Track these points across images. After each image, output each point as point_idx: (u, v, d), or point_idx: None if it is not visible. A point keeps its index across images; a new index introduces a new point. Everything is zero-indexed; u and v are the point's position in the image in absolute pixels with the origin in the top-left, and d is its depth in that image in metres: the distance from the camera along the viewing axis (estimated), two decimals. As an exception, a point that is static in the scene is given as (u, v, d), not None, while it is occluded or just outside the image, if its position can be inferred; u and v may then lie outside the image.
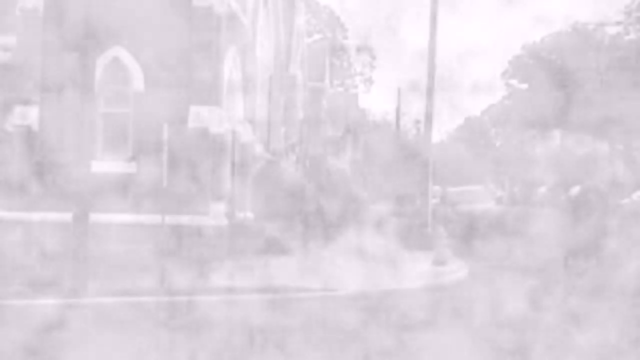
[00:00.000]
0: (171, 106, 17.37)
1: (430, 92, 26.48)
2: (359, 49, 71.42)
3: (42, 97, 17.65)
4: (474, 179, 67.60)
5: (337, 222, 26.53)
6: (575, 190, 46.94)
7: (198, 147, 17.20)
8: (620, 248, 20.65)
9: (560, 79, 47.11)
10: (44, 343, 9.60)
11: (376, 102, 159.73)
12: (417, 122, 71.71)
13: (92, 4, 14.20)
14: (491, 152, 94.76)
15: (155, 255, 15.34)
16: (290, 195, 22.35)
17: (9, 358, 8.94)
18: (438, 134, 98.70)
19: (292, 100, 31.98)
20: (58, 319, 11.39)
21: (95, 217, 14.45)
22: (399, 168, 53.64)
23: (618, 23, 41.90)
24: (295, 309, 12.22)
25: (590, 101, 44.48)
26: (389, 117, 73.43)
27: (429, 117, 27.09)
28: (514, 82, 53.42)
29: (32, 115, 17.54)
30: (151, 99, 17.54)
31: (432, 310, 12.72)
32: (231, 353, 9.15)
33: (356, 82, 71.60)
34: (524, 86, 52.73)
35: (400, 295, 13.19)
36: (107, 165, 17.31)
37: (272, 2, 26.84)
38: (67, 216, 14.18)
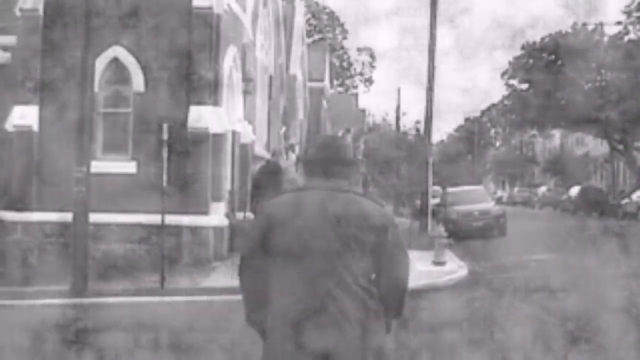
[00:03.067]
0: (171, 106, 17.37)
1: (430, 92, 26.51)
2: (359, 49, 71.54)
3: (42, 97, 17.64)
4: (473, 179, 67.61)
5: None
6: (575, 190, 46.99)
7: (198, 147, 17.18)
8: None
9: (560, 79, 47.10)
10: (44, 343, 9.61)
11: (376, 102, 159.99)
12: (417, 122, 71.89)
13: (91, 4, 14.19)
14: (491, 152, 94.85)
15: (155, 255, 15.34)
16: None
17: (9, 359, 8.94)
18: (438, 134, 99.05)
19: (292, 100, 31.99)
20: (58, 319, 11.40)
21: (95, 217, 14.46)
22: (398, 168, 53.65)
23: (618, 23, 41.88)
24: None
25: (590, 101, 44.47)
26: (389, 117, 73.56)
27: (429, 117, 27.11)
28: (514, 82, 53.35)
29: (32, 115, 17.53)
30: (151, 99, 17.53)
31: (431, 310, 12.71)
32: (230, 353, 9.15)
33: (356, 82, 71.68)
34: (524, 86, 52.67)
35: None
36: (107, 165, 17.30)
37: (272, 2, 26.84)
38: (67, 216, 14.19)
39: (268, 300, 3.86)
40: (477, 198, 29.13)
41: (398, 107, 54.47)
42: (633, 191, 39.60)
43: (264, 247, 3.84)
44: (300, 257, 3.74)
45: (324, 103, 43.41)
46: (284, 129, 29.86)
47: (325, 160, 3.94)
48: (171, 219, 15.53)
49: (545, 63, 49.66)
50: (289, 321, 3.71)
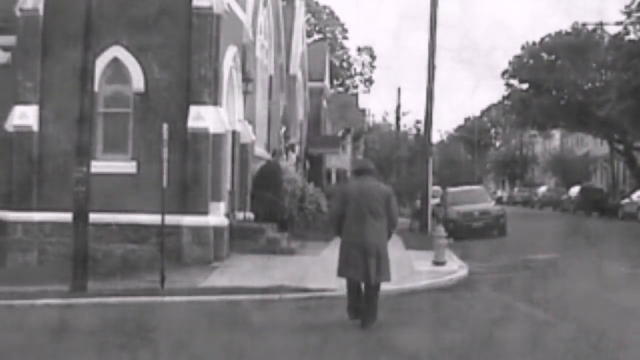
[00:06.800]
0: (171, 106, 17.37)
1: (430, 92, 26.51)
2: (359, 49, 71.46)
3: (42, 97, 17.64)
4: (473, 179, 67.59)
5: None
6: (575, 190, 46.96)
7: (198, 147, 17.19)
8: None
9: (560, 79, 47.07)
10: (44, 343, 9.61)
11: (376, 102, 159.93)
12: (417, 122, 71.86)
13: (92, 4, 14.18)
14: (491, 152, 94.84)
15: (155, 255, 15.33)
16: (290, 195, 22.35)
17: (9, 358, 8.94)
18: (438, 134, 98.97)
19: (292, 100, 31.98)
20: (58, 319, 11.40)
21: (95, 217, 14.46)
22: (399, 168, 53.69)
23: (618, 23, 41.80)
24: (295, 310, 12.23)
25: (590, 101, 44.45)
26: (389, 117, 73.48)
27: (429, 117, 27.10)
28: (514, 82, 53.33)
29: (32, 115, 17.53)
30: (151, 99, 17.53)
31: (432, 310, 12.72)
32: (231, 354, 9.15)
33: (356, 82, 71.61)
34: (524, 86, 52.65)
35: (400, 296, 13.20)
36: (107, 165, 17.30)
37: (272, 2, 26.84)
38: (67, 216, 14.19)
39: (342, 227, 10.50)
40: (477, 198, 29.13)
41: (398, 107, 54.46)
42: (633, 191, 39.59)
43: (343, 204, 10.51)
44: (358, 207, 10.32)
45: (324, 103, 43.38)
46: (284, 129, 29.84)
47: (364, 168, 10.93)
48: (171, 219, 15.53)
49: (545, 63, 49.64)
50: (353, 231, 10.34)
